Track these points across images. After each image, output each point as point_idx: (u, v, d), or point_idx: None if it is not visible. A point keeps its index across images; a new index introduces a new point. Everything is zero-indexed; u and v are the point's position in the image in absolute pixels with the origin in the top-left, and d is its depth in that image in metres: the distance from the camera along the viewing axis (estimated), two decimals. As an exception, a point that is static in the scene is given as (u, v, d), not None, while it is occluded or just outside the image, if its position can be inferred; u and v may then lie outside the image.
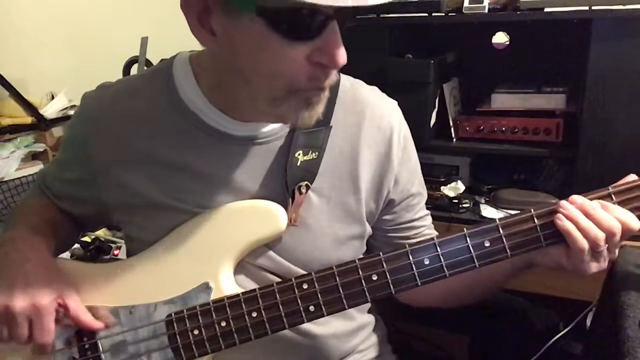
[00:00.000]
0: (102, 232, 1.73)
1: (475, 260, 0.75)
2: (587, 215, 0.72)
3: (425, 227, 1.00)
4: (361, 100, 0.90)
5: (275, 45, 0.67)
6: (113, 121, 0.85)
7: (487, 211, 1.45)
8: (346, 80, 0.91)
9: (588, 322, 1.29)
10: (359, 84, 0.93)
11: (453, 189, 1.49)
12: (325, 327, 0.89)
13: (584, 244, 0.72)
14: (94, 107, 0.88)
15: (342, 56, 0.68)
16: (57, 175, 0.95)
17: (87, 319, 0.79)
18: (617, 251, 0.75)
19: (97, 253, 1.63)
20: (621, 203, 0.74)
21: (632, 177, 0.76)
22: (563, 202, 0.74)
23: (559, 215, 0.73)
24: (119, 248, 1.67)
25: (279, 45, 0.67)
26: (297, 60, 0.68)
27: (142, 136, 0.83)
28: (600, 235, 0.71)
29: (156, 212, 0.84)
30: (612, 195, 0.75)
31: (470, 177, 1.59)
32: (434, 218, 1.42)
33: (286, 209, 0.82)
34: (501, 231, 0.74)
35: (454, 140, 1.60)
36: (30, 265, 0.79)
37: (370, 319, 1.01)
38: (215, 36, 0.70)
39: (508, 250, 0.75)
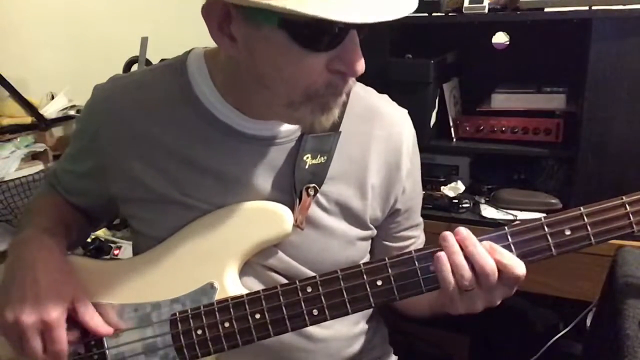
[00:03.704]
0: (102, 232, 1.73)
1: None
2: (464, 251, 0.71)
3: (417, 237, 1.01)
4: (372, 108, 0.91)
5: (295, 54, 0.67)
6: (124, 113, 0.85)
7: (487, 211, 1.45)
8: (358, 88, 0.91)
9: (588, 322, 1.29)
10: (371, 91, 0.94)
11: (453, 189, 1.50)
12: (328, 330, 0.89)
13: (450, 284, 0.71)
14: (105, 98, 0.87)
15: (360, 65, 0.69)
16: (67, 168, 0.95)
17: (96, 324, 0.80)
18: (497, 300, 0.74)
19: (97, 253, 1.63)
20: (635, 214, 0.72)
21: None
22: (444, 234, 0.73)
23: (439, 253, 0.72)
24: (119, 248, 1.67)
25: (299, 55, 0.67)
26: (316, 68, 0.69)
27: (153, 129, 0.83)
28: (467, 275, 0.70)
29: (164, 206, 0.84)
30: (627, 205, 0.72)
31: (470, 177, 1.60)
32: (434, 218, 1.44)
33: (293, 211, 0.82)
34: (510, 239, 0.73)
35: (454, 140, 1.60)
36: (40, 269, 0.78)
37: (372, 321, 1.01)
38: (234, 42, 0.70)
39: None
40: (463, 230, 0.73)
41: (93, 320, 0.80)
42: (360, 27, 0.68)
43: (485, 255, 0.70)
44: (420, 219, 1.03)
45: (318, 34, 0.66)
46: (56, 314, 0.76)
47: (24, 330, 0.74)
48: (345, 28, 0.67)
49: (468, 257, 0.71)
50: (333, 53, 0.69)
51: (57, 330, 0.76)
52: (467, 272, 0.70)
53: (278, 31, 0.66)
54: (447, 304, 0.75)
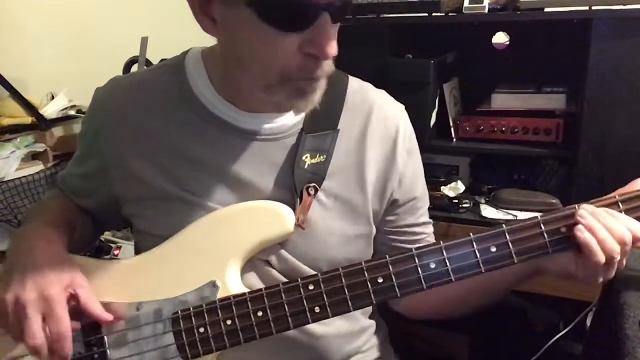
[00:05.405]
0: (102, 232, 1.73)
1: (481, 265, 0.75)
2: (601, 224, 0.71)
3: (427, 234, 1.00)
4: (368, 102, 0.91)
5: (267, 35, 0.69)
6: (123, 112, 0.86)
7: (487, 211, 1.45)
8: (355, 83, 0.92)
9: (588, 322, 1.29)
10: (367, 86, 0.94)
11: (453, 189, 1.50)
12: (328, 327, 0.89)
13: (602, 257, 0.70)
14: (106, 99, 0.89)
15: (331, 48, 0.70)
16: (73, 171, 0.96)
17: (98, 310, 0.78)
18: (624, 261, 0.73)
19: (97, 253, 1.63)
20: (629, 211, 0.73)
21: (638, 183, 0.75)
22: (582, 212, 0.72)
23: (580, 227, 0.71)
24: (119, 248, 1.67)
25: (271, 35, 0.69)
26: (289, 50, 0.70)
27: (152, 127, 0.84)
28: (616, 248, 0.70)
29: (165, 203, 0.84)
30: (620, 203, 0.73)
31: (470, 177, 1.60)
32: (434, 218, 1.42)
33: (294, 209, 0.82)
34: (507, 236, 0.74)
35: (454, 140, 1.60)
36: (38, 253, 0.78)
37: (372, 320, 1.01)
38: (215, 23, 0.73)
39: (514, 256, 0.74)
40: (589, 207, 0.73)
41: (95, 305, 0.78)
42: (331, 9, 0.69)
43: (620, 226, 0.70)
44: (426, 219, 1.01)
45: (285, 13, 0.67)
46: (56, 290, 0.74)
47: (25, 307, 0.73)
48: (313, 9, 0.68)
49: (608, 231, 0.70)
50: (305, 36, 0.70)
51: (59, 307, 0.74)
52: (615, 245, 0.70)
53: (247, 10, 0.67)
54: (587, 277, 0.73)
